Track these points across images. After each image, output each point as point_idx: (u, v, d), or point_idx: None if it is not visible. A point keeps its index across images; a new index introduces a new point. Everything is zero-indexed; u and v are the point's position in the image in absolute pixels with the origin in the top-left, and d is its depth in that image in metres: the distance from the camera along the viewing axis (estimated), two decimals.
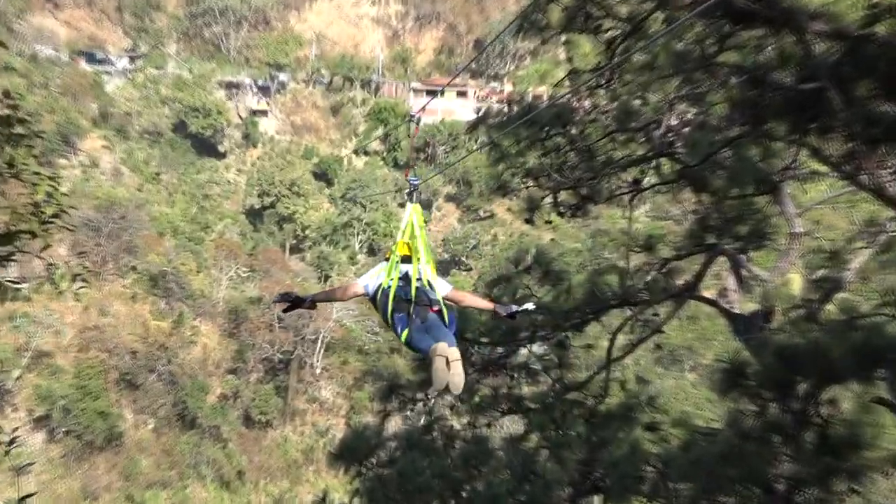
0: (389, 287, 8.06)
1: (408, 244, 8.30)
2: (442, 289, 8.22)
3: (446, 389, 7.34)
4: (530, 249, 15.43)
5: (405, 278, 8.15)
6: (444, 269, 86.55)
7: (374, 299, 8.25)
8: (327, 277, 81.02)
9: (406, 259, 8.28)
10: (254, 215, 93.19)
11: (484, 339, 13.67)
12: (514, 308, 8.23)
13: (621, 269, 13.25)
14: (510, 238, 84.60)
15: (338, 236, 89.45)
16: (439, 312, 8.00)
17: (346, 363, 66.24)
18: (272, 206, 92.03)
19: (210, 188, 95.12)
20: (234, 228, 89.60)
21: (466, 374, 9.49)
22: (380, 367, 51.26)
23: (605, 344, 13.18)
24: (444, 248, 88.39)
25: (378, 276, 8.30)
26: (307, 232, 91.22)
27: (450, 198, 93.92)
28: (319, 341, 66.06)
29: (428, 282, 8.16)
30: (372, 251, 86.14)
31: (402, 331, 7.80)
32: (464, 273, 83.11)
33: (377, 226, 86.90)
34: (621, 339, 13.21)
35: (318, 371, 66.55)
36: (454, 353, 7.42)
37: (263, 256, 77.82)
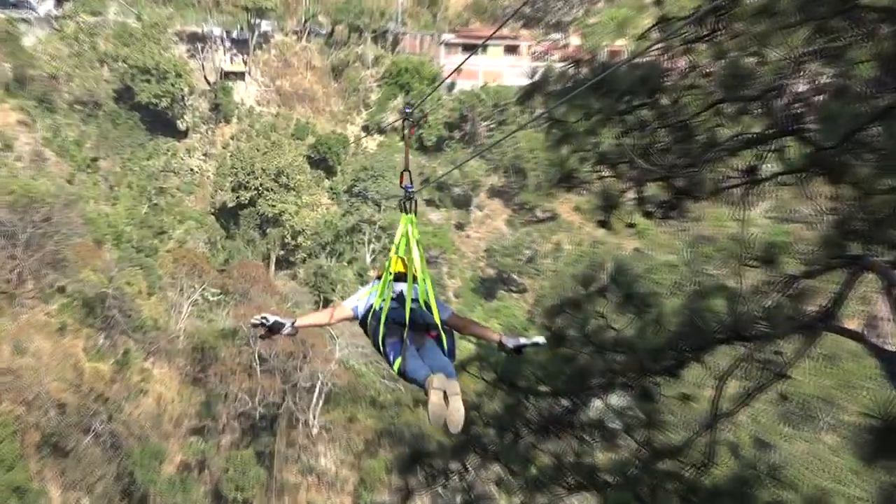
0: (381, 309, 9.40)
1: (402, 260, 9.60)
2: (441, 312, 9.46)
3: (444, 428, 8.47)
4: (606, 263, 15.33)
5: (399, 299, 9.51)
6: (488, 289, 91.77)
7: (365, 323, 9.70)
8: (327, 302, 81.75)
9: (400, 277, 9.63)
10: (227, 216, 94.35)
11: (542, 388, 14.01)
12: (523, 341, 9.51)
13: (731, 290, 12.96)
14: (578, 247, 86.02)
15: (342, 245, 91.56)
16: (437, 338, 9.39)
17: (353, 420, 67.53)
18: (251, 203, 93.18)
19: (166, 179, 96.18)
20: (199, 234, 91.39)
21: (518, 434, 11.07)
22: (400, 425, 54.20)
23: (710, 394, 13.11)
24: (487, 260, 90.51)
25: (368, 297, 9.74)
26: (300, 239, 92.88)
27: (496, 192, 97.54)
28: (317, 390, 67.19)
29: (425, 303, 9.42)
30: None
31: (395, 359, 9.16)
32: (515, 296, 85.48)
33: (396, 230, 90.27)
34: (732, 388, 13.03)
35: (314, 431, 67.57)
36: (453, 385, 8.68)
37: (240, 273, 79.35)
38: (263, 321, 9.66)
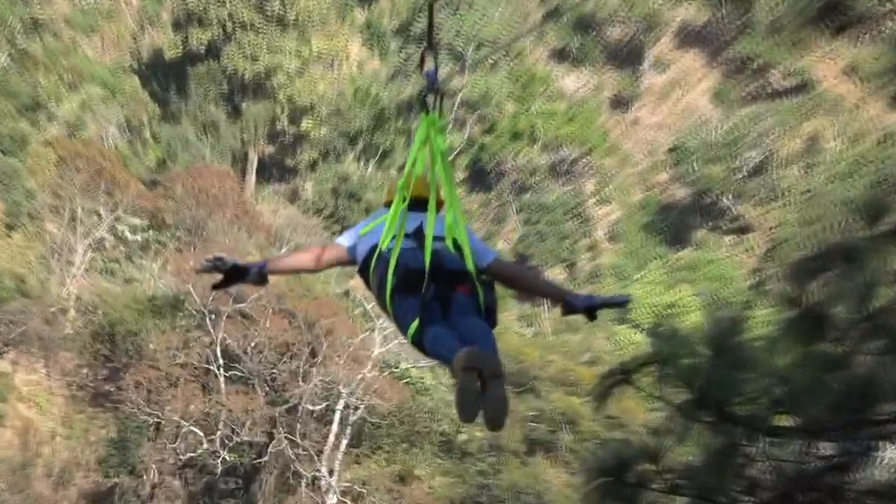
0: (389, 251, 7.91)
1: (424, 179, 8.16)
2: (478, 254, 8.04)
3: (486, 422, 6.98)
4: None
5: (416, 235, 8.01)
6: (674, 226, 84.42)
7: (366, 270, 8.10)
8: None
9: (419, 204, 8.01)
10: (163, 77, 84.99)
11: (784, 420, 9.32)
12: (598, 299, 8.09)
13: None
14: (855, 145, 71.69)
15: (386, 136, 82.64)
16: (471, 293, 7.77)
17: (408, 478, 56.69)
18: (211, 52, 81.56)
19: (47, 4, 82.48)
20: (108, 112, 79.21)
21: (735, 489, 8.70)
22: (500, 491, 53.55)
23: None
24: (673, 169, 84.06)
25: (372, 232, 8.22)
26: (305, 124, 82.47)
27: (690, 37, 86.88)
28: (336, 419, 56.26)
29: (454, 242, 8.01)
30: (481, 175, 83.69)
31: (410, 322, 7.58)
32: (727, 240, 78.42)
33: (495, 105, 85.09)
34: None
35: (333, 500, 54.31)
36: (493, 363, 7.01)
37: (188, 188, 68.49)
38: (218, 264, 7.75)
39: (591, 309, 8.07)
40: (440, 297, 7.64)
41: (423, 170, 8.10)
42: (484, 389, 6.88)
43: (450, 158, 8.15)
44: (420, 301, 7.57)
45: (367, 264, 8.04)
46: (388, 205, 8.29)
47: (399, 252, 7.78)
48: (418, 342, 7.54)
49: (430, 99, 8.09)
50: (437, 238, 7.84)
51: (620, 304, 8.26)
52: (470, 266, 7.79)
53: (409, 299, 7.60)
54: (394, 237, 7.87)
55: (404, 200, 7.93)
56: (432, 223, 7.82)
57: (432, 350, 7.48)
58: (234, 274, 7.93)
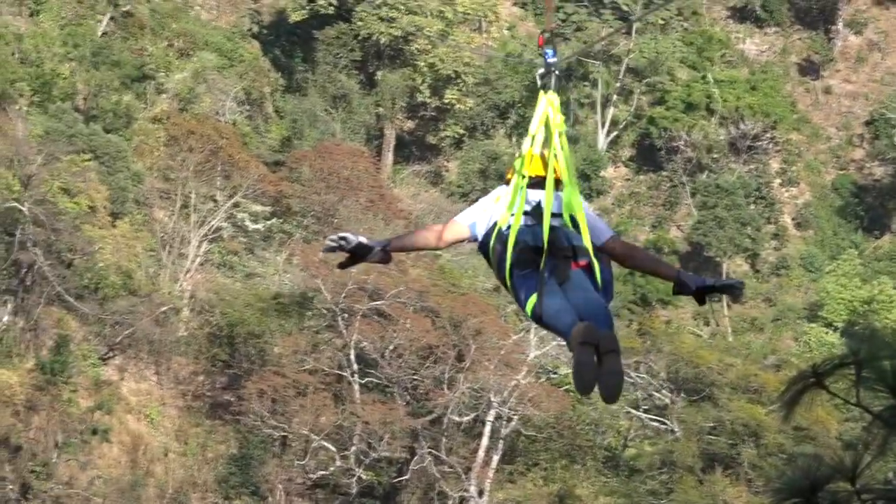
0: (509, 228, 8.63)
1: (542, 157, 8.86)
2: (595, 232, 8.76)
3: (602, 395, 7.93)
4: None
5: (536, 213, 8.68)
6: (872, 209, 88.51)
7: (486, 247, 8.84)
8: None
9: (538, 183, 8.73)
10: (287, 43, 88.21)
11: None
12: (711, 281, 8.72)
13: None
14: None
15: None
16: (588, 268, 8.50)
17: (569, 499, 61.32)
18: (341, 16, 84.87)
19: None
20: (224, 83, 79.57)
21: None
22: None
23: None
24: (871, 146, 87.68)
25: (491, 211, 8.89)
26: (450, 95, 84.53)
27: None
28: (486, 431, 60.09)
29: (571, 219, 8.66)
30: (650, 152, 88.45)
31: (528, 297, 8.30)
32: None
33: (666, 73, 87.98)
34: None
35: None
36: (609, 338, 7.85)
37: (316, 168, 70.02)
38: (342, 243, 8.46)
39: (701, 290, 8.45)
40: (557, 272, 8.19)
41: (542, 149, 8.76)
42: (600, 363, 7.62)
43: (567, 135, 8.80)
44: (538, 276, 8.19)
45: (487, 241, 8.59)
46: (507, 182, 8.82)
47: (518, 229, 8.39)
48: (536, 316, 8.18)
49: (549, 79, 8.67)
50: (554, 215, 8.47)
51: (733, 288, 8.80)
52: (587, 243, 8.38)
53: (527, 274, 8.19)
54: (512, 214, 8.49)
55: (523, 178, 8.60)
56: (550, 201, 8.47)
57: (550, 324, 8.15)
58: (358, 252, 8.48)
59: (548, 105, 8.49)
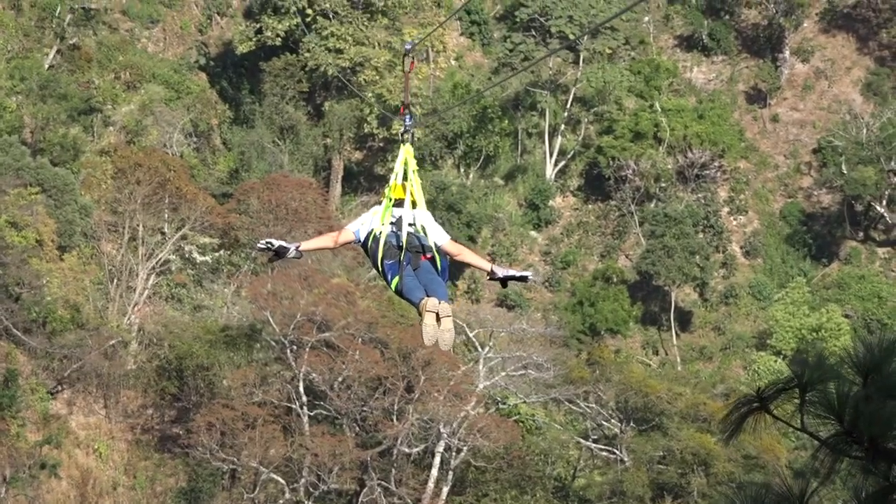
0: (380, 234, 12.62)
1: (403, 186, 12.86)
2: (437, 236, 12.69)
3: (436, 346, 11.95)
4: None
5: (398, 223, 12.65)
6: (819, 237, 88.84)
7: (366, 246, 12.85)
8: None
9: (400, 203, 12.77)
10: (234, 75, 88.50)
11: None
12: (513, 273, 12.55)
13: None
14: None
15: (488, 138, 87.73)
16: (432, 260, 12.56)
17: None
18: (288, 45, 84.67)
19: None
20: (173, 115, 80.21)
21: None
22: None
23: None
24: (818, 173, 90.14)
25: (370, 222, 12.80)
26: (397, 124, 74.11)
27: (838, 19, 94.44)
28: (436, 463, 60.32)
29: (422, 227, 12.65)
30: (598, 181, 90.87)
31: (393, 278, 12.32)
32: (882, 252, 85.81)
33: (614, 102, 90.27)
34: None
35: None
36: (445, 308, 11.81)
37: (265, 201, 70.87)
38: (269, 246, 12.44)
39: (505, 279, 12.29)
40: (412, 262, 12.17)
41: (403, 181, 12.66)
42: (439, 324, 11.56)
43: (415, 170, 12.68)
44: (399, 265, 12.11)
45: (366, 243, 12.51)
46: (380, 203, 12.61)
47: (386, 234, 12.34)
48: (398, 290, 12.10)
49: (407, 135, 12.77)
50: (410, 224, 12.41)
51: (521, 279, 12.34)
52: (430, 244, 12.38)
53: (392, 263, 12.13)
54: (383, 224, 12.38)
55: (390, 200, 12.53)
56: (407, 215, 12.45)
57: (407, 296, 12.02)
58: (278, 252, 12.35)
59: (405, 153, 12.60)
